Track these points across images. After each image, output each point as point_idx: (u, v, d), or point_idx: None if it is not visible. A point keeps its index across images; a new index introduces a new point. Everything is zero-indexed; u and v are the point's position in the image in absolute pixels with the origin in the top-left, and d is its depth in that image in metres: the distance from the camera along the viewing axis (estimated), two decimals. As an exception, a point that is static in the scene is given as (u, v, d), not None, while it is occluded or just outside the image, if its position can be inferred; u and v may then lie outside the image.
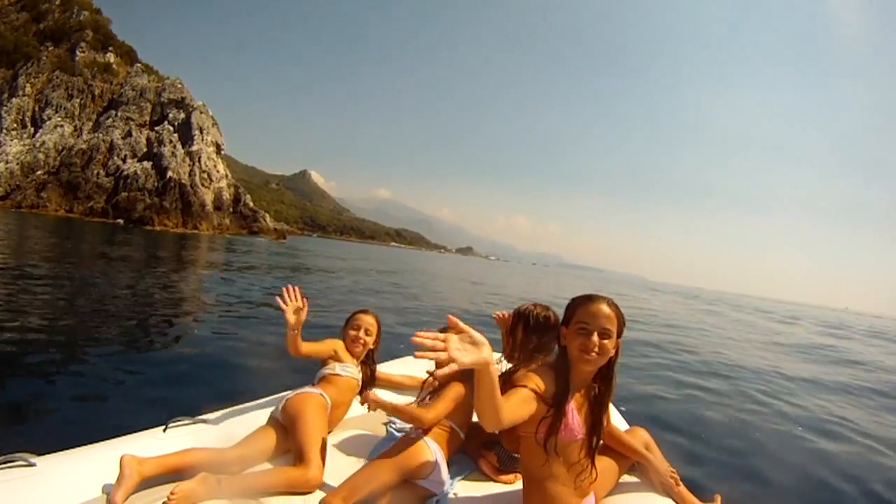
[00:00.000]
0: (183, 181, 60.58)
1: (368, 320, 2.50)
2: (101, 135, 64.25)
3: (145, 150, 64.29)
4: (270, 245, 41.11)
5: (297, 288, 2.11)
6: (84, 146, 63.17)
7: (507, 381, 1.70)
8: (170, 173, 60.65)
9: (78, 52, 69.49)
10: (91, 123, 67.47)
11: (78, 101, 67.87)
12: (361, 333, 2.46)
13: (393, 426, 2.33)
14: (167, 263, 15.37)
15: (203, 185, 66.21)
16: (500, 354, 2.15)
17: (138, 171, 60.45)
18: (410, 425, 2.10)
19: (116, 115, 66.57)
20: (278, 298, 2.07)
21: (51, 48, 69.13)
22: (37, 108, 66.56)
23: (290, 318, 2.07)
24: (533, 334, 2.05)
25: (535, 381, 1.51)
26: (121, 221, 53.35)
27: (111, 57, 72.07)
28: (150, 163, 62.24)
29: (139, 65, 71.55)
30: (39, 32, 71.27)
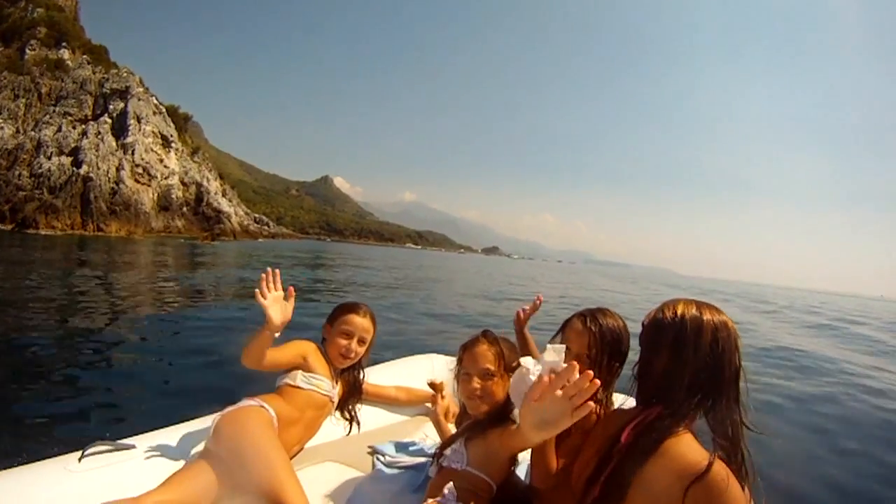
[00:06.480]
0: (94, 175, 51.11)
1: (364, 325, 1.79)
2: (32, 132, 57.35)
3: (73, 145, 56.30)
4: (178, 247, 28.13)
5: (276, 273, 1.54)
6: (12, 146, 56.47)
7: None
8: (84, 168, 51.59)
9: (28, 51, 64.17)
10: (35, 122, 61.35)
11: (24, 101, 61.87)
12: (354, 344, 1.77)
13: (381, 458, 1.80)
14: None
15: (139, 181, 56.90)
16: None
17: (52, 168, 52.06)
18: (414, 459, 1.73)
19: (54, 110, 59.66)
20: (257, 291, 1.49)
21: (0, 49, 64.48)
22: (-15, 112, 61.73)
23: (274, 315, 1.49)
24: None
25: None
26: (7, 227, 44.48)
27: (65, 53, 66.10)
28: (71, 159, 53.84)
29: (85, 56, 64.70)
30: (-1, 35, 67.34)
